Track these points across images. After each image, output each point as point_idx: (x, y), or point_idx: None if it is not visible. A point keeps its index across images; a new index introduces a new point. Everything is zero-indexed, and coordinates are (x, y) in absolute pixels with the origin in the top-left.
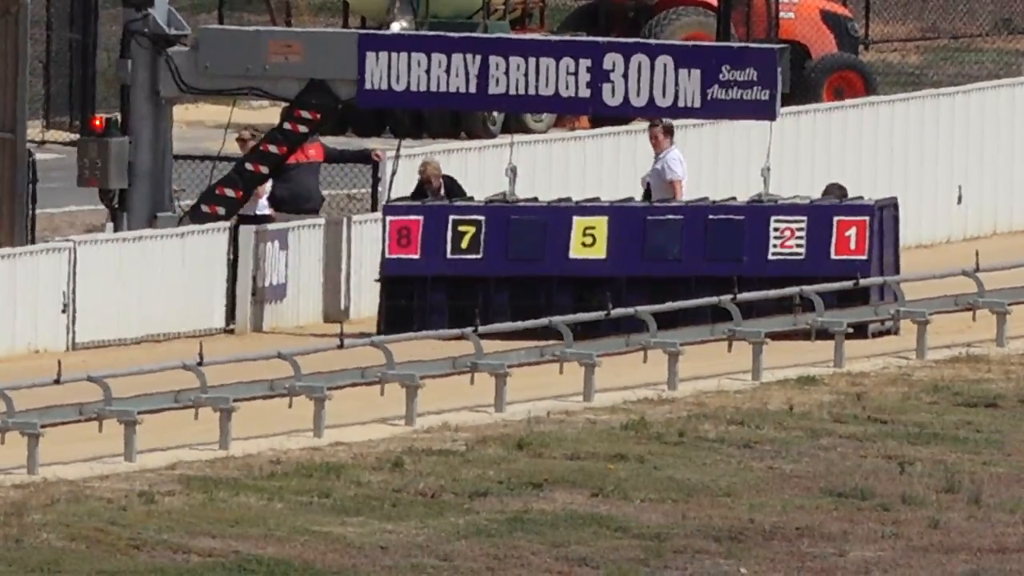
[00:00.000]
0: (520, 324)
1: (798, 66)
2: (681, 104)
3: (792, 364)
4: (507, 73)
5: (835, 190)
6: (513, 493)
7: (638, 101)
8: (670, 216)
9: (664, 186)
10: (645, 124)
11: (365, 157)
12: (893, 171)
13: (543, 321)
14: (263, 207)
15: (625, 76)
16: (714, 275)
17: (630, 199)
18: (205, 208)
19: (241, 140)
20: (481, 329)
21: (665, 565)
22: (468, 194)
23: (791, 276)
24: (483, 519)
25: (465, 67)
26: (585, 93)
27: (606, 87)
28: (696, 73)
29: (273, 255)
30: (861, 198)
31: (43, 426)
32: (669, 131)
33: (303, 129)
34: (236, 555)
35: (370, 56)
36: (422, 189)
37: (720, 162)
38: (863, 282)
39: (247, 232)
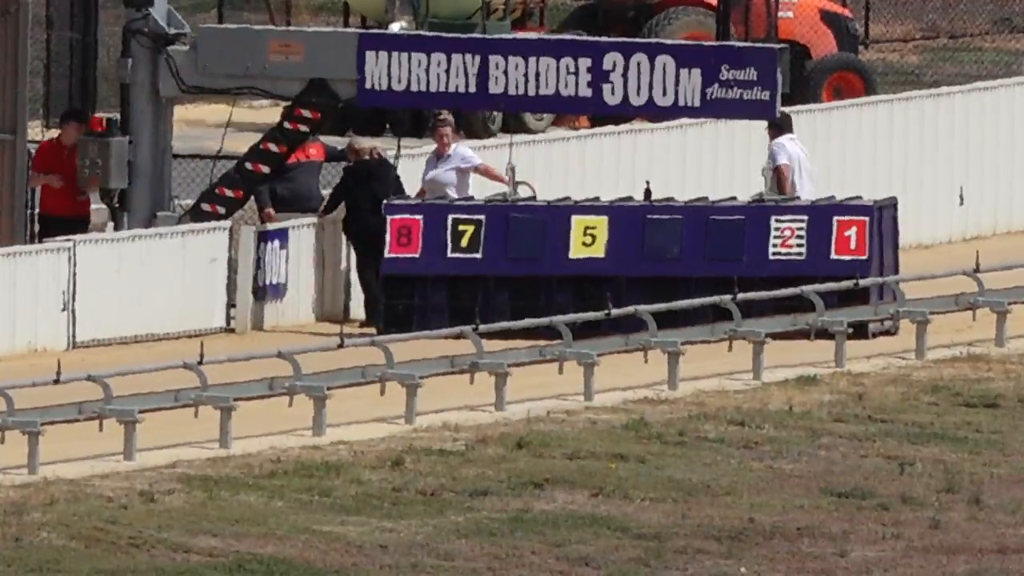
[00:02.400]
0: (520, 323)
1: (798, 66)
2: (681, 103)
3: (792, 364)
4: (507, 73)
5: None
6: (513, 492)
7: (638, 100)
8: (670, 216)
9: (464, 182)
10: (646, 124)
11: None
12: (893, 171)
13: (543, 321)
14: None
15: (625, 76)
16: (714, 275)
17: (630, 198)
18: (205, 207)
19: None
20: (481, 328)
21: (665, 565)
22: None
23: (791, 276)
24: (483, 518)
25: (465, 67)
26: (585, 93)
27: (606, 87)
28: (696, 73)
29: (273, 254)
30: (860, 198)
31: (43, 425)
32: (455, 129)
33: (303, 128)
34: (236, 554)
35: (370, 56)
36: (352, 174)
37: (720, 162)
38: (863, 282)
39: (247, 231)
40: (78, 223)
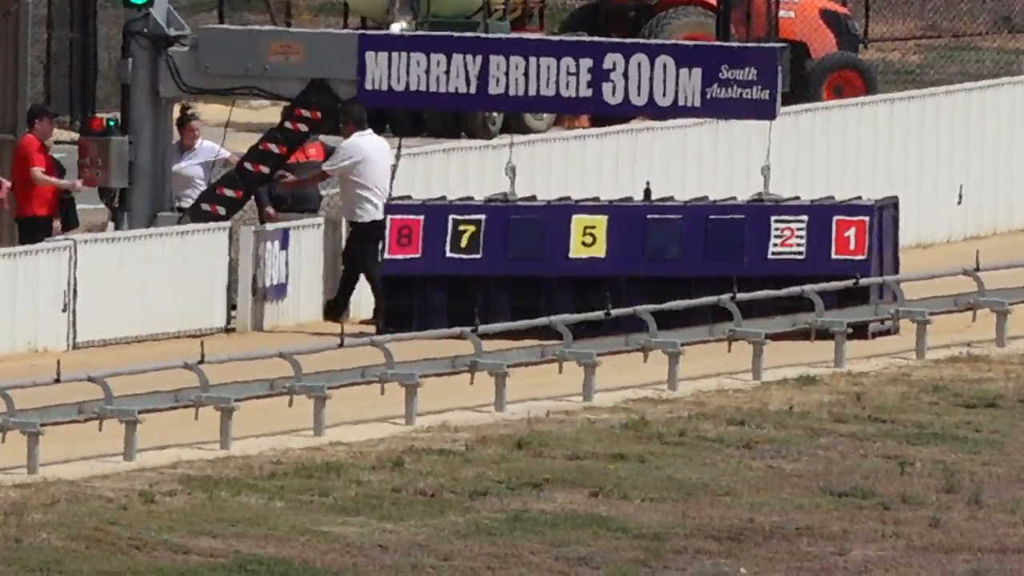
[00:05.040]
0: (520, 324)
1: (798, 65)
2: (681, 103)
3: (792, 364)
4: (507, 73)
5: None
6: (513, 493)
7: (638, 101)
8: (670, 216)
9: (208, 177)
10: (646, 124)
11: None
12: (893, 170)
13: (543, 321)
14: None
15: (625, 76)
16: (714, 275)
17: (630, 198)
18: (205, 207)
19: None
20: (481, 329)
21: (665, 565)
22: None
23: (791, 276)
24: (483, 519)
25: (465, 67)
26: (586, 93)
27: (606, 87)
28: (696, 72)
29: (273, 254)
30: (860, 198)
31: (43, 425)
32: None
33: (303, 128)
34: (236, 555)
35: (370, 56)
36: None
37: (720, 162)
38: (863, 282)
39: (247, 231)
40: (49, 221)
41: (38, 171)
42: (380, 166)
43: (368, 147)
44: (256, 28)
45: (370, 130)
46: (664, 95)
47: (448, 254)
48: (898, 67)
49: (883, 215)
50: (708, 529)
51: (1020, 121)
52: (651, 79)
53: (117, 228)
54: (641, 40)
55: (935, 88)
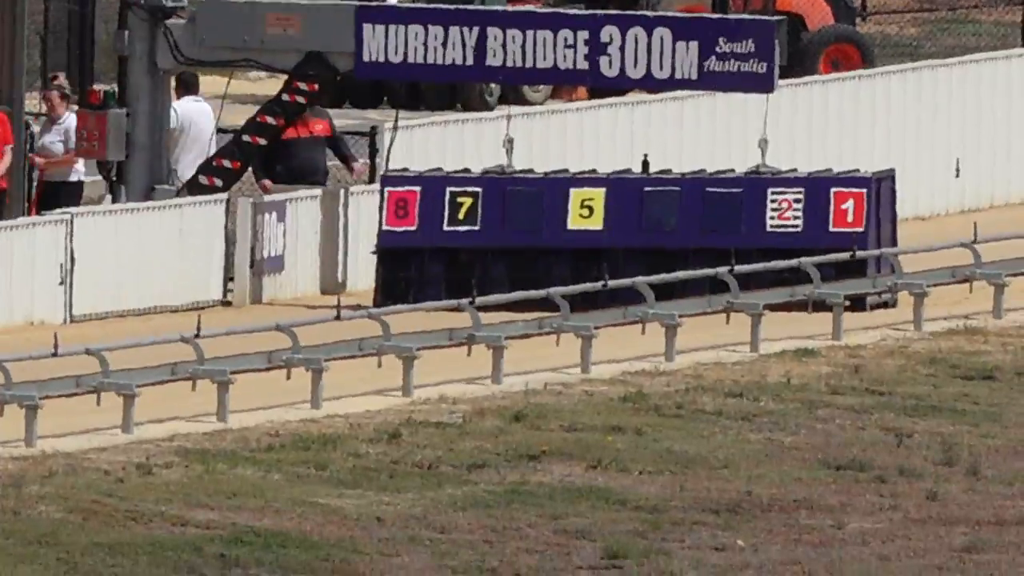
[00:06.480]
0: (517, 296)
1: (794, 38)
2: (678, 76)
3: (790, 336)
4: (504, 45)
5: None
6: (510, 465)
7: (635, 73)
8: (668, 188)
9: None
10: (643, 96)
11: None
12: (890, 143)
13: (540, 293)
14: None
15: (622, 48)
16: (712, 247)
17: (628, 171)
18: (203, 180)
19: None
20: (478, 301)
21: (663, 537)
22: None
23: (789, 248)
24: (480, 491)
25: (462, 39)
26: (583, 65)
27: (603, 59)
28: (693, 45)
29: (271, 227)
30: (858, 171)
31: (41, 398)
32: (66, 97)
33: (301, 100)
34: (233, 527)
35: (368, 28)
36: None
37: (717, 134)
38: (860, 254)
39: (245, 204)
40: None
41: None
42: (203, 132)
43: (191, 112)
44: (254, 0)
45: (201, 96)
46: (661, 68)
47: (445, 227)
48: (895, 40)
49: (880, 187)
50: (706, 501)
51: (1017, 94)
52: (648, 51)
53: (114, 201)
54: (638, 12)
55: (932, 61)
